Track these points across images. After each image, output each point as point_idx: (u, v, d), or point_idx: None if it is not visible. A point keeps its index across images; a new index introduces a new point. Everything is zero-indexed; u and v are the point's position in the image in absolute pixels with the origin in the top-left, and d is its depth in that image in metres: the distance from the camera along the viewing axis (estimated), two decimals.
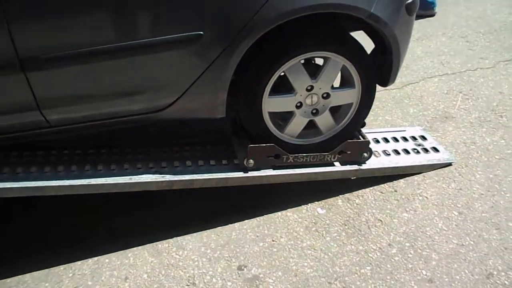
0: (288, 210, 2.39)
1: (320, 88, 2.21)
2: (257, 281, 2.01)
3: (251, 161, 2.26)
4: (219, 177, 2.26)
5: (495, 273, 1.95)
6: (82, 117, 2.04)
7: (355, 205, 2.37)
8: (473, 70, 3.44)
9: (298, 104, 2.23)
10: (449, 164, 2.55)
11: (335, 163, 2.41)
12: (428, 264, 2.02)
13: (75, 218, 2.40)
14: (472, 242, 2.10)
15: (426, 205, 2.32)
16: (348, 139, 2.35)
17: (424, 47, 3.95)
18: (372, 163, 2.44)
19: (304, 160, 2.35)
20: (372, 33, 2.32)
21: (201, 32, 1.87)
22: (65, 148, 2.34)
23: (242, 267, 2.09)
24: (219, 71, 1.98)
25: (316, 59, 2.32)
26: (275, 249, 2.18)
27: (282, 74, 2.15)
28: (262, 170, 2.32)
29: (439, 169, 2.53)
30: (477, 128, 2.83)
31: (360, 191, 2.46)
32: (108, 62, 1.89)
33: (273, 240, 2.22)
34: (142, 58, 1.91)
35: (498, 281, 1.91)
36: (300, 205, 2.41)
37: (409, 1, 2.15)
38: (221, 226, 2.33)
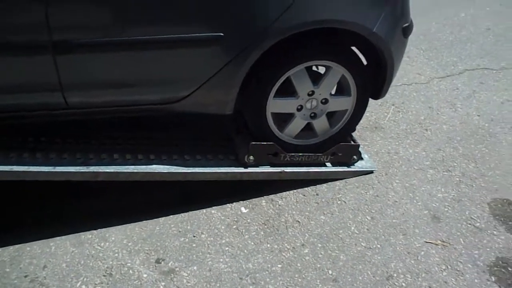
0: (213, 207, 2.47)
1: (320, 94, 2.40)
2: (172, 274, 2.07)
3: (252, 157, 2.42)
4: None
5: (395, 275, 2.08)
6: (102, 102, 2.16)
7: (277, 206, 2.47)
8: (408, 85, 3.61)
9: (299, 107, 2.42)
10: (371, 172, 2.68)
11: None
12: (335, 264, 2.13)
13: (1, 206, 2.41)
14: (379, 246, 2.23)
15: (343, 209, 2.44)
16: (340, 142, 2.55)
17: None
18: (299, 167, 2.54)
19: (299, 159, 2.53)
20: (365, 51, 2.50)
21: (222, 34, 2.03)
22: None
23: (160, 260, 2.15)
24: (233, 71, 2.14)
25: (318, 67, 2.51)
26: (194, 245, 2.25)
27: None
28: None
29: (361, 176, 2.66)
30: (402, 139, 2.99)
31: (284, 192, 2.56)
32: (135, 52, 2.03)
33: (194, 236, 2.29)
34: (166, 53, 2.05)
35: (396, 283, 2.04)
36: (225, 204, 2.49)
37: (405, 25, 2.37)
38: (147, 220, 2.38)
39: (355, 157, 2.63)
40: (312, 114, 2.48)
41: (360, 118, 2.62)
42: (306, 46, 2.26)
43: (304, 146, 2.57)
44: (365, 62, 2.52)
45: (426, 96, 3.49)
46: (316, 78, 2.40)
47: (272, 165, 2.51)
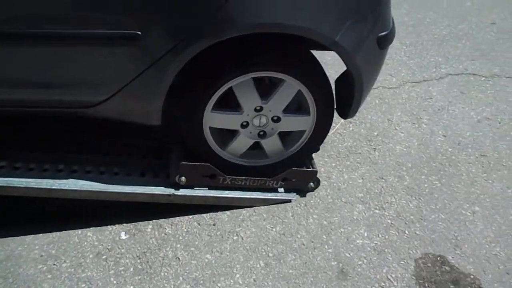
0: (91, 229, 2.13)
1: (270, 111, 2.04)
2: None
3: (183, 178, 2.10)
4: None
5: None
6: (7, 100, 1.93)
7: (163, 234, 2.09)
8: (374, 89, 3.08)
9: (244, 124, 2.07)
10: (288, 201, 2.25)
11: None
12: None
13: None
14: None
15: (236, 248, 2.04)
16: (296, 166, 2.21)
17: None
18: (193, 190, 2.14)
19: (243, 183, 2.19)
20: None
21: (139, 32, 1.70)
22: None
23: None
24: (156, 77, 1.83)
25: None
26: (49, 276, 1.92)
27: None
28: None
29: (274, 205, 2.23)
30: (341, 160, 2.52)
31: (178, 218, 2.18)
32: (39, 48, 1.77)
33: (54, 264, 1.97)
34: (75, 50, 1.79)
35: None
36: (106, 225, 2.13)
37: (382, 34, 1.96)
38: (12, 237, 2.07)
39: (312, 184, 2.27)
40: (261, 133, 2.10)
41: (322, 140, 2.26)
42: (253, 54, 1.91)
43: (251, 167, 2.19)
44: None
45: (389, 105, 2.97)
46: (267, 92, 2.01)
47: (210, 188, 2.18)
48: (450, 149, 2.64)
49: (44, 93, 1.90)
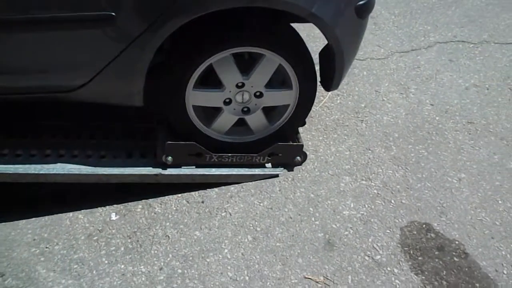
0: (82, 211, 2.15)
1: (252, 86, 2.05)
2: None
3: (170, 158, 2.12)
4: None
5: None
6: None
7: (152, 214, 2.12)
8: (362, 60, 3.08)
9: (227, 101, 2.07)
10: (276, 176, 2.27)
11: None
12: None
13: None
14: (247, 278, 1.87)
15: (225, 224, 2.07)
16: (283, 141, 2.23)
17: None
18: (180, 169, 2.16)
19: (229, 160, 2.21)
20: None
21: (113, 13, 1.69)
22: None
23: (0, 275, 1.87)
24: (134, 57, 1.83)
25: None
26: (42, 258, 1.96)
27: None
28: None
29: (262, 180, 2.26)
30: (328, 133, 2.54)
31: (166, 197, 2.21)
32: (14, 33, 1.75)
33: (46, 247, 2.00)
34: (51, 34, 1.77)
35: None
36: (96, 207, 2.16)
37: (360, 3, 1.94)
38: (5, 222, 2.10)
39: (298, 158, 2.28)
40: (245, 109, 2.11)
41: (307, 113, 2.25)
42: (230, 30, 1.90)
43: (238, 144, 2.21)
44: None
45: (377, 76, 2.96)
46: (248, 68, 2.01)
47: (198, 166, 2.20)
48: (437, 118, 2.64)
49: (23, 79, 1.90)
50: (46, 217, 2.13)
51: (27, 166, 2.05)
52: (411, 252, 1.96)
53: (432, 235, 2.03)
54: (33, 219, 2.12)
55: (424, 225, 2.07)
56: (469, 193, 2.21)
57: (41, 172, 2.03)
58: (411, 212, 2.12)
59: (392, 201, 2.17)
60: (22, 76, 1.90)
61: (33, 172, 2.04)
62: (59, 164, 2.09)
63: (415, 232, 2.04)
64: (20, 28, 1.73)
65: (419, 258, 1.94)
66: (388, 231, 2.05)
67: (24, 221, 2.12)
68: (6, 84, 1.92)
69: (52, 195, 2.25)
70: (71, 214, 2.14)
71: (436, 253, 1.95)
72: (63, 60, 1.85)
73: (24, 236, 2.05)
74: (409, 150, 2.44)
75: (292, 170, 2.32)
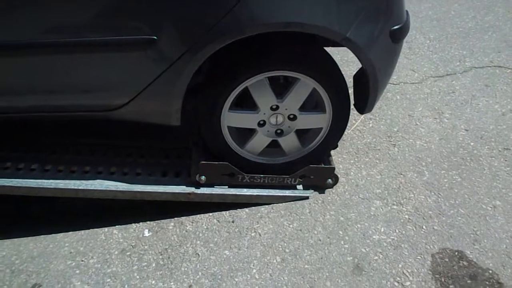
0: (117, 226, 2.23)
1: (286, 109, 2.09)
2: None
3: (203, 177, 2.18)
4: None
5: None
6: (28, 107, 2.03)
7: (184, 232, 2.17)
8: (395, 84, 3.07)
9: (261, 122, 2.13)
10: (306, 198, 2.29)
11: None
12: None
13: None
14: None
15: (254, 244, 2.09)
16: (314, 163, 2.25)
17: None
18: (212, 188, 2.22)
19: (261, 181, 2.24)
20: None
21: (155, 37, 1.79)
22: None
23: (36, 286, 1.95)
24: (173, 78, 1.91)
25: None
26: (77, 271, 2.03)
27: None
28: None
29: (292, 202, 2.28)
30: (360, 157, 2.54)
31: (198, 215, 2.25)
32: (60, 56, 1.87)
33: (82, 260, 2.07)
34: (95, 56, 1.87)
35: None
36: (131, 223, 2.23)
37: (394, 27, 1.96)
38: (44, 235, 2.20)
39: (330, 181, 2.30)
40: (278, 131, 2.16)
41: (340, 137, 2.28)
42: (265, 54, 1.95)
43: (271, 165, 2.26)
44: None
45: (411, 100, 2.95)
46: (282, 91, 2.06)
47: (230, 186, 2.25)
48: (472, 143, 2.61)
49: (69, 98, 2.01)
50: (83, 231, 2.21)
51: (67, 181, 2.15)
52: (443, 279, 1.93)
53: (465, 263, 1.99)
54: (70, 232, 2.21)
55: (456, 253, 2.03)
56: (504, 221, 2.16)
57: (80, 188, 2.12)
58: (443, 238, 2.09)
59: (424, 227, 2.15)
60: (69, 95, 2.01)
61: (72, 187, 2.13)
62: (97, 181, 2.17)
63: (447, 260, 2.00)
64: (69, 50, 1.84)
65: (451, 286, 1.90)
66: (419, 257, 2.02)
67: (61, 234, 2.20)
68: (55, 103, 2.03)
69: (88, 210, 2.34)
70: (106, 229, 2.21)
71: (469, 281, 1.91)
72: (106, 80, 1.95)
73: (61, 249, 2.13)
74: (442, 176, 2.41)
75: (323, 193, 2.33)
